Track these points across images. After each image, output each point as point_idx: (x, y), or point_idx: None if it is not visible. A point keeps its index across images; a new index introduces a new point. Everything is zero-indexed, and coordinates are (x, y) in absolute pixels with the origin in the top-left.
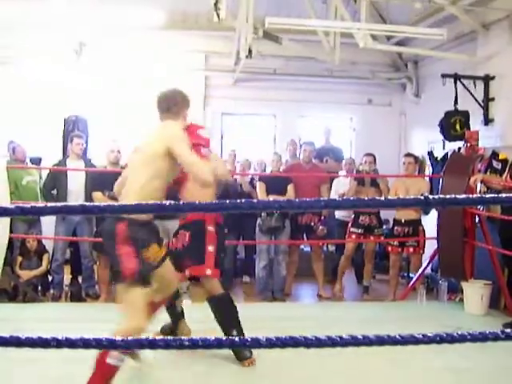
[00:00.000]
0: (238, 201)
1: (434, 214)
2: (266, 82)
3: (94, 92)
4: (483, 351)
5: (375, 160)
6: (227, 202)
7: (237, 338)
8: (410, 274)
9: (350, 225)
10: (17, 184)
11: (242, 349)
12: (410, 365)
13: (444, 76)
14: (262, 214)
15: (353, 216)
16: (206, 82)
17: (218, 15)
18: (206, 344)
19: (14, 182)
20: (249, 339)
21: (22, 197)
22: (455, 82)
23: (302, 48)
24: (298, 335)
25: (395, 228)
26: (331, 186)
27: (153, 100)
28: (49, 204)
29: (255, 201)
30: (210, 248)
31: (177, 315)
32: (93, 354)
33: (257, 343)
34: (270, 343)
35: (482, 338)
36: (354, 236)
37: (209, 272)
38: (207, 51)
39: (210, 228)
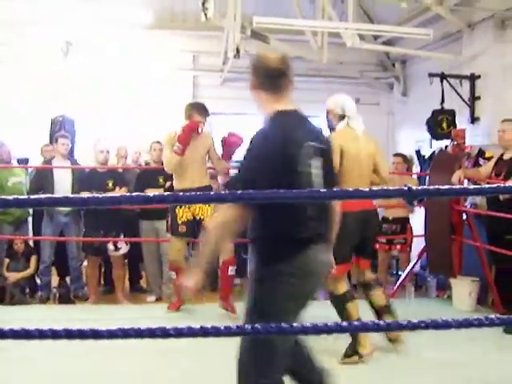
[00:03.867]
0: (223, 192)
1: (421, 211)
2: None
3: (82, 92)
4: (473, 344)
5: None
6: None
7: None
8: (399, 272)
9: None
10: (2, 185)
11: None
12: (403, 356)
13: (431, 75)
14: None
15: None
16: (194, 82)
17: (206, 15)
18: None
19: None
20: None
21: None
22: (442, 81)
23: (289, 48)
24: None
25: (383, 226)
26: None
27: (141, 99)
28: (31, 196)
29: (239, 192)
30: None
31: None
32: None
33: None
34: (254, 330)
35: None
36: None
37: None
38: (195, 51)
39: None
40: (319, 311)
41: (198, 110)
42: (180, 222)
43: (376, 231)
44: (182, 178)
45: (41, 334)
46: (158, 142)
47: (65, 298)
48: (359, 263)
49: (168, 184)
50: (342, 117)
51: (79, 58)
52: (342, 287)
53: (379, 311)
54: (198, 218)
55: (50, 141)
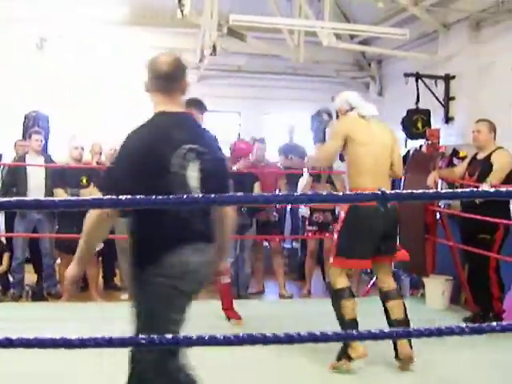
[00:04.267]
0: (199, 196)
1: None
2: (231, 80)
3: (56, 87)
4: (445, 343)
5: None
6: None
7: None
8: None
9: (307, 222)
10: None
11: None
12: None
13: (406, 75)
14: None
15: (308, 213)
16: None
17: (182, 12)
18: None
19: None
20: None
21: None
22: (417, 81)
23: (266, 46)
24: (255, 332)
25: None
26: (291, 182)
27: (115, 96)
28: (1, 199)
29: (213, 196)
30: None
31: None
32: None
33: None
34: (227, 341)
35: (438, 333)
36: (310, 234)
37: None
38: (171, 48)
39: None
40: (282, 308)
41: (197, 105)
42: None
43: (397, 226)
44: None
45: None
46: None
47: (38, 296)
48: (379, 260)
49: None
50: (351, 110)
51: (54, 54)
52: (342, 282)
53: (394, 324)
54: None
55: (23, 136)
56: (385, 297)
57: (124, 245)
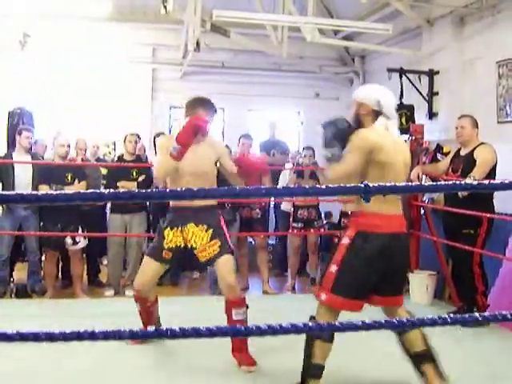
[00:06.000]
0: (178, 189)
1: None
2: (214, 76)
3: (40, 84)
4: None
5: (314, 153)
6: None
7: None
8: None
9: (291, 219)
10: None
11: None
12: (363, 351)
13: (389, 70)
14: None
15: (292, 210)
16: (154, 75)
17: (166, 8)
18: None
19: None
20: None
21: None
22: (400, 77)
23: (249, 42)
24: (238, 325)
25: (342, 220)
26: (276, 179)
27: (99, 92)
28: None
29: (195, 189)
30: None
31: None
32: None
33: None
34: (211, 332)
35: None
36: (296, 231)
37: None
38: (155, 44)
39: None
40: (266, 304)
41: (205, 105)
42: (166, 246)
43: (407, 259)
44: None
45: None
46: (133, 135)
47: (22, 293)
48: (386, 301)
49: (141, 178)
50: (376, 114)
51: (37, 50)
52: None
53: (417, 358)
54: (189, 246)
55: (7, 134)
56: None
57: (116, 241)
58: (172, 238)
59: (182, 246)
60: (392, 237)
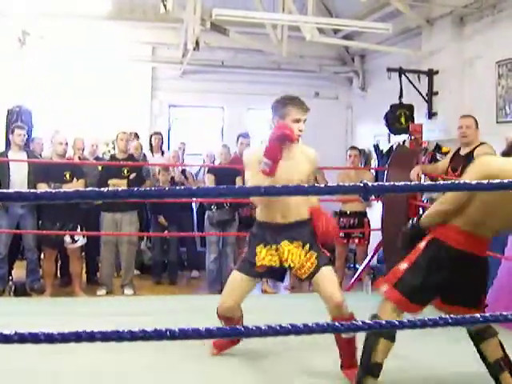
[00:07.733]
0: (177, 188)
1: (379, 205)
2: (214, 74)
3: (39, 82)
4: (426, 336)
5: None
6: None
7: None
8: (356, 265)
9: None
10: None
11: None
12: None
13: (389, 70)
14: (212, 207)
15: None
16: (153, 74)
17: (165, 6)
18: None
19: None
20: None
21: None
22: (400, 76)
23: (249, 40)
24: (238, 326)
25: (340, 219)
26: None
27: (98, 91)
28: None
29: (194, 188)
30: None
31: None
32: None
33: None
34: (211, 333)
35: (422, 324)
36: None
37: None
38: (154, 43)
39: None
40: (265, 303)
41: (296, 104)
42: (259, 264)
43: (484, 278)
44: (269, 209)
45: None
46: (125, 133)
47: (20, 291)
48: (457, 311)
49: (132, 175)
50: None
51: (37, 49)
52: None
53: (495, 366)
54: (286, 265)
55: (5, 131)
56: (476, 338)
57: (108, 239)
58: (265, 256)
59: (277, 265)
60: (460, 253)
